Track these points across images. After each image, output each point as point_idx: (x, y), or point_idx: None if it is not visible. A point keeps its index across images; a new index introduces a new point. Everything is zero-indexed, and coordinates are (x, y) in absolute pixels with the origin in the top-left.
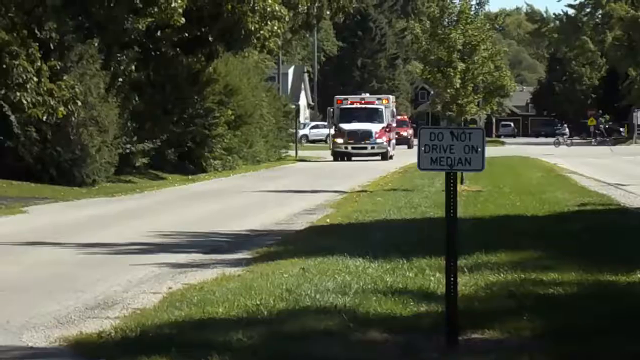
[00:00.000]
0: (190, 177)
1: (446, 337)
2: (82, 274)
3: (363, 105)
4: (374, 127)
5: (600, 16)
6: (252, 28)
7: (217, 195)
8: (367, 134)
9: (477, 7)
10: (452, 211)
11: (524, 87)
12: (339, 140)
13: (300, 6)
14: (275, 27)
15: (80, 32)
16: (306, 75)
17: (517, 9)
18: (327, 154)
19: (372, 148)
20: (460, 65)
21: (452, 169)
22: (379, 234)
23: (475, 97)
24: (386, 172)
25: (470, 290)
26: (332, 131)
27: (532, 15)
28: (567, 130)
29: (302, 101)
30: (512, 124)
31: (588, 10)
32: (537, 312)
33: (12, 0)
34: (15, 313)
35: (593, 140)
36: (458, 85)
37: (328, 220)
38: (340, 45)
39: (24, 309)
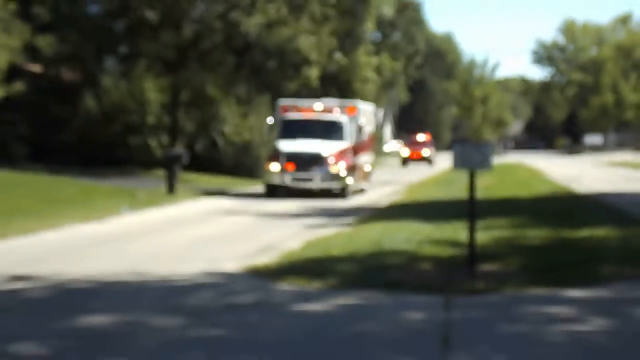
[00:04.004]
0: None
1: (468, 269)
2: (254, 231)
3: (314, 117)
4: (327, 149)
5: (564, 80)
6: (357, 87)
7: None
8: (314, 159)
9: (491, 72)
10: (472, 193)
11: (520, 120)
12: (273, 167)
13: (385, 73)
14: (370, 86)
15: (257, 90)
16: (390, 114)
17: (517, 74)
18: (396, 161)
19: (323, 180)
20: (480, 108)
21: (472, 168)
22: (431, 209)
23: (488, 127)
24: (435, 172)
25: (484, 240)
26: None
27: (524, 80)
28: (504, 145)
29: (387, 130)
30: (512, 143)
31: (557, 76)
32: (524, 254)
33: (215, 70)
34: (217, 253)
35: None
36: (479, 121)
37: (400, 200)
38: (408, 95)
39: (222, 251)
